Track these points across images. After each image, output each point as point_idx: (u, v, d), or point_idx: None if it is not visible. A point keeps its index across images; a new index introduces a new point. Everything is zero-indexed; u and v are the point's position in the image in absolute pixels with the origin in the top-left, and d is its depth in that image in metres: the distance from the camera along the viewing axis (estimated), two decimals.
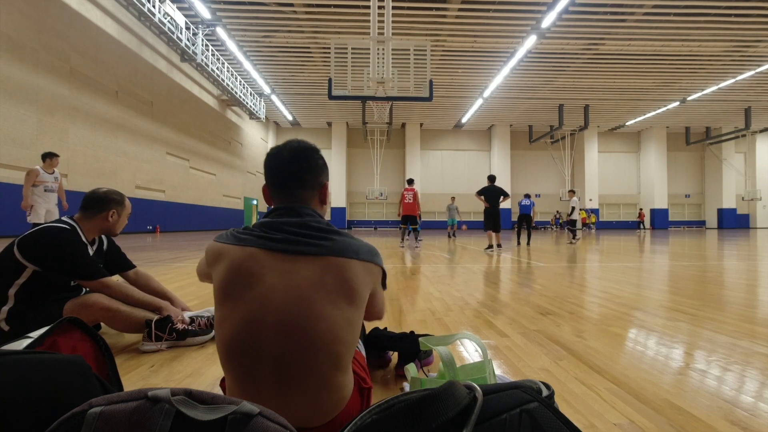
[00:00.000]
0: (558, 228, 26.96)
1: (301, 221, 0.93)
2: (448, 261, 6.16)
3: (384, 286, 1.04)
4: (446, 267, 5.32)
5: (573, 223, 11.60)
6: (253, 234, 0.92)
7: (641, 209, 29.35)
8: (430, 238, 14.87)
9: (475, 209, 27.43)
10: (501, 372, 1.56)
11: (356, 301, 0.90)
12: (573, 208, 11.52)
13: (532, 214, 10.75)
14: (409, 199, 9.56)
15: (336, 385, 0.87)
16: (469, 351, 1.83)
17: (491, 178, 8.71)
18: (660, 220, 28.72)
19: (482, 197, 8.54)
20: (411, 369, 1.12)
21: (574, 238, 11.17)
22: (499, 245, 8.29)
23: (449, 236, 14.71)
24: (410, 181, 9.97)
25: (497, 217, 8.38)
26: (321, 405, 0.86)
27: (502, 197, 8.54)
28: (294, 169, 0.99)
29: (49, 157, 6.32)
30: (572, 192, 12.06)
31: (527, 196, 11.30)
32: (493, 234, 8.25)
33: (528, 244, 10.32)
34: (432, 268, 5.22)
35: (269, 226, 0.93)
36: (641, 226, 28.25)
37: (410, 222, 9.60)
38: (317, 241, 0.90)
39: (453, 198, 15.47)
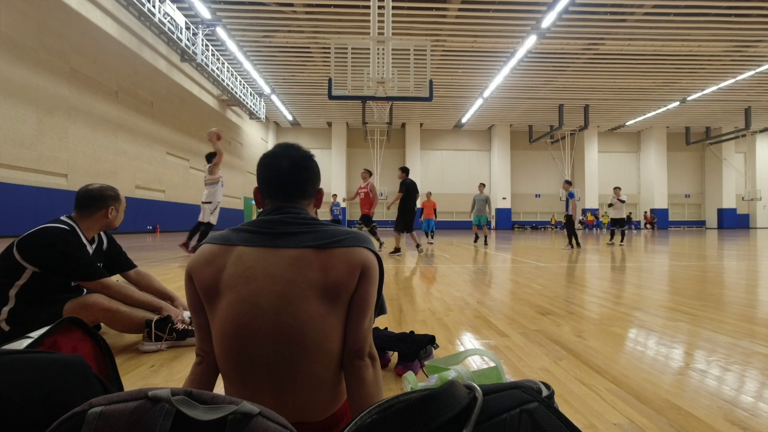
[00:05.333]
0: (559, 228, 26.90)
1: (284, 216, 0.93)
2: (447, 261, 6.16)
3: (381, 282, 0.95)
4: (446, 267, 5.32)
5: (620, 222, 10.23)
6: (237, 232, 0.92)
7: (646, 212, 28.98)
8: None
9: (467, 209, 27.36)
10: None
11: (344, 294, 0.87)
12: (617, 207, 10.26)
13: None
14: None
15: (332, 383, 0.88)
16: (475, 361, 1.82)
17: (404, 170, 7.26)
18: (660, 220, 28.69)
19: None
20: (410, 378, 1.11)
21: (622, 239, 10.04)
22: (396, 250, 6.82)
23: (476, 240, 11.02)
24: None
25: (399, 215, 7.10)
26: (317, 403, 0.87)
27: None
28: (295, 180, 0.98)
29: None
30: (617, 189, 10.25)
31: (568, 181, 9.58)
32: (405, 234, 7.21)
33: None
34: (432, 268, 5.23)
35: (253, 223, 0.93)
36: (644, 226, 28.08)
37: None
38: (298, 232, 0.90)
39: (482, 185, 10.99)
